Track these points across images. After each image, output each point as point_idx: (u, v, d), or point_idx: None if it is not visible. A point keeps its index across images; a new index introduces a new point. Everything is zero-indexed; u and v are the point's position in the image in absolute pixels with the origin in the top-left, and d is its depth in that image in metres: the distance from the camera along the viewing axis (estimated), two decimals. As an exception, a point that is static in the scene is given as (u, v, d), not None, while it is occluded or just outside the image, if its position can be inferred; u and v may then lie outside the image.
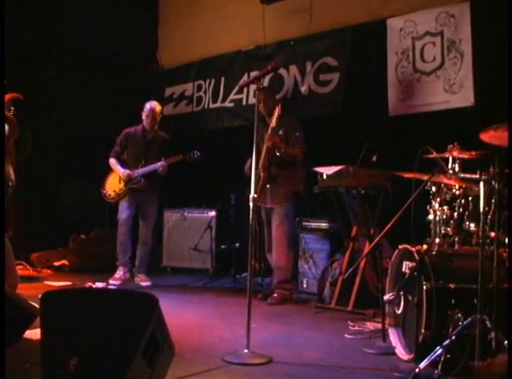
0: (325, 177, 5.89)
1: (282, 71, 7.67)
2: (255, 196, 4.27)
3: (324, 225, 6.51)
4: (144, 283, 7.05)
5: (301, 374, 3.69)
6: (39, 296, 2.92)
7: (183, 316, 5.28)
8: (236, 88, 8.39)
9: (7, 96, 6.04)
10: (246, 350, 3.95)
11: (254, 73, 7.82)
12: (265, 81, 7.64)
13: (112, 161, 7.20)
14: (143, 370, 2.72)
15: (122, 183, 7.07)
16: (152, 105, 7.22)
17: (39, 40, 8.18)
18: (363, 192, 5.71)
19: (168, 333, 2.94)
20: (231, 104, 8.52)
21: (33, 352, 3.31)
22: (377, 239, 4.11)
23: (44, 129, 7.69)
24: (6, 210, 6.00)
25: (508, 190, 3.50)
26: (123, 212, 7.11)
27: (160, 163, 6.96)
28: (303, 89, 7.60)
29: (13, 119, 6.04)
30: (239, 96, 8.42)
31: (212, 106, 8.80)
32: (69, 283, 7.05)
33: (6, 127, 5.98)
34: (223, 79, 8.65)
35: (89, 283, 6.77)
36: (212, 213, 8.08)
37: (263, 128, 5.97)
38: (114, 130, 7.41)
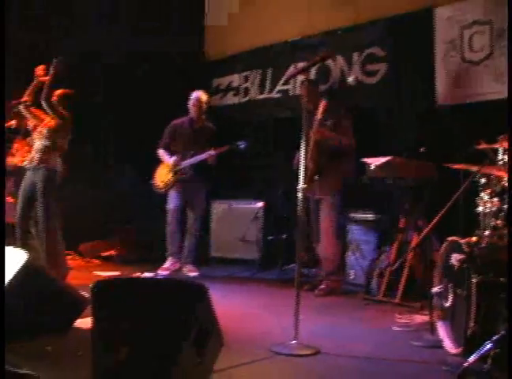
0: (372, 168, 5.85)
1: (329, 62, 7.64)
2: (304, 186, 4.27)
3: (371, 216, 6.47)
4: (191, 274, 7.11)
5: (348, 366, 3.69)
6: (90, 285, 2.95)
7: (231, 306, 5.29)
8: (283, 79, 8.38)
9: (58, 92, 6.18)
10: (293, 341, 3.97)
11: (300, 64, 7.81)
12: (312, 72, 7.62)
13: (160, 151, 7.29)
14: (193, 360, 2.74)
15: (171, 174, 7.14)
16: (198, 94, 7.29)
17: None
18: (410, 183, 5.66)
19: (217, 323, 2.96)
20: (278, 95, 8.52)
21: (84, 341, 3.37)
22: (426, 231, 4.07)
23: (95, 120, 7.86)
24: (56, 198, 6.17)
25: (508, 188, 3.45)
26: (172, 202, 7.19)
27: (208, 153, 7.02)
28: (350, 80, 7.55)
29: (68, 117, 6.18)
30: (285, 87, 8.41)
31: (259, 96, 8.81)
32: (117, 273, 7.15)
33: (58, 122, 6.12)
34: (269, 70, 8.65)
35: (138, 274, 6.85)
36: (260, 204, 8.08)
37: (310, 119, 5.94)
38: (163, 122, 7.47)
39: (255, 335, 4.37)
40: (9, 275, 3.79)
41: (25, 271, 3.82)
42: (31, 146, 6.34)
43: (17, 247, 4.13)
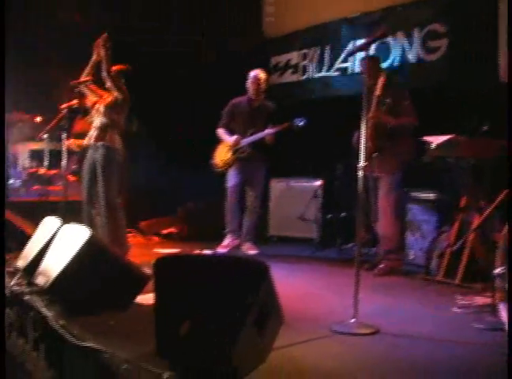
0: (434, 146, 5.76)
1: (388, 38, 7.54)
2: (365, 164, 4.24)
3: (432, 196, 6.39)
4: (251, 252, 7.14)
5: (407, 346, 3.68)
6: (153, 262, 3.00)
7: (290, 285, 5.31)
8: (342, 57, 8.31)
9: (115, 68, 6.22)
10: (353, 320, 3.97)
11: (360, 41, 7.73)
12: (371, 49, 7.52)
13: (220, 131, 7.33)
14: (253, 338, 2.76)
15: (230, 153, 7.18)
16: (256, 72, 7.29)
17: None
18: (472, 162, 5.56)
19: (278, 301, 2.98)
20: (337, 73, 8.46)
21: (144, 316, 3.44)
22: (488, 211, 4.01)
23: (148, 103, 7.95)
24: (121, 177, 6.27)
25: (508, 183, 3.35)
26: (231, 180, 7.25)
27: (266, 131, 7.04)
28: (410, 57, 7.44)
29: (126, 93, 6.24)
30: (344, 65, 8.34)
31: (317, 75, 8.76)
32: (177, 250, 7.25)
33: (116, 97, 6.18)
34: (328, 47, 8.58)
35: (197, 251, 6.93)
36: (319, 182, 8.07)
37: (370, 96, 5.88)
38: (221, 102, 7.50)
39: (314, 314, 4.39)
40: (73, 252, 3.89)
41: (89, 247, 3.91)
42: (90, 124, 6.42)
43: (83, 225, 4.21)
